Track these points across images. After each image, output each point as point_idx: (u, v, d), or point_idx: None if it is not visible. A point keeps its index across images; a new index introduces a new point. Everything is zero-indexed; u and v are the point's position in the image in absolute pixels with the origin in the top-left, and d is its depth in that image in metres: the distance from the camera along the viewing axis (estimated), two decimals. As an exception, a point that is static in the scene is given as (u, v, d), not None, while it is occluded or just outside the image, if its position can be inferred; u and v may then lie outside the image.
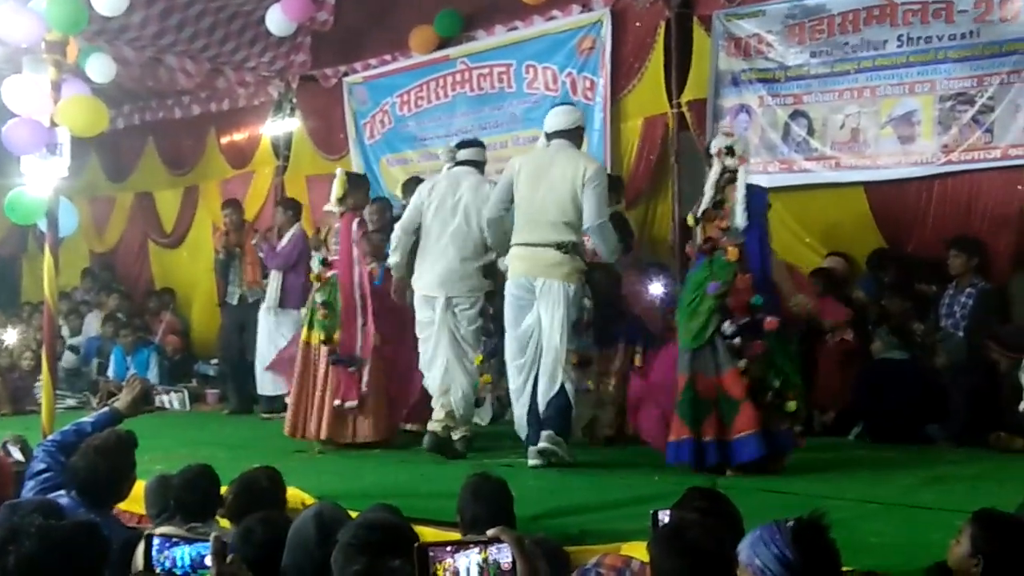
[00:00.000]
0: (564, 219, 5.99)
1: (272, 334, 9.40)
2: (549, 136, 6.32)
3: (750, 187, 5.67)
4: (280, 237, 9.53)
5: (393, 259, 6.99)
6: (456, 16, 9.62)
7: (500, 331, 6.53)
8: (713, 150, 5.80)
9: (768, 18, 7.81)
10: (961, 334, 6.86)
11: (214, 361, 11.45)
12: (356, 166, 10.48)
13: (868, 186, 7.46)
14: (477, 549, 2.36)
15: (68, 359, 11.36)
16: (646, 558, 3.16)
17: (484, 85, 9.50)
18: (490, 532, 2.37)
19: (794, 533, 2.58)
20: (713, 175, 5.72)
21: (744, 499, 4.46)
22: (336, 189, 7.33)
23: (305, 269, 9.30)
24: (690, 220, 5.81)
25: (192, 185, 12.46)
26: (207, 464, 4.35)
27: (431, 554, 2.35)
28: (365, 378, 7.02)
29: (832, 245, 7.74)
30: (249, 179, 11.64)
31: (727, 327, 5.52)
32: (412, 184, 8.03)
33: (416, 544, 2.41)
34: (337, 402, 7.00)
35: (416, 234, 6.91)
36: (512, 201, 6.23)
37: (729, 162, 5.70)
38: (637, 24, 8.51)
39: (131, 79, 10.26)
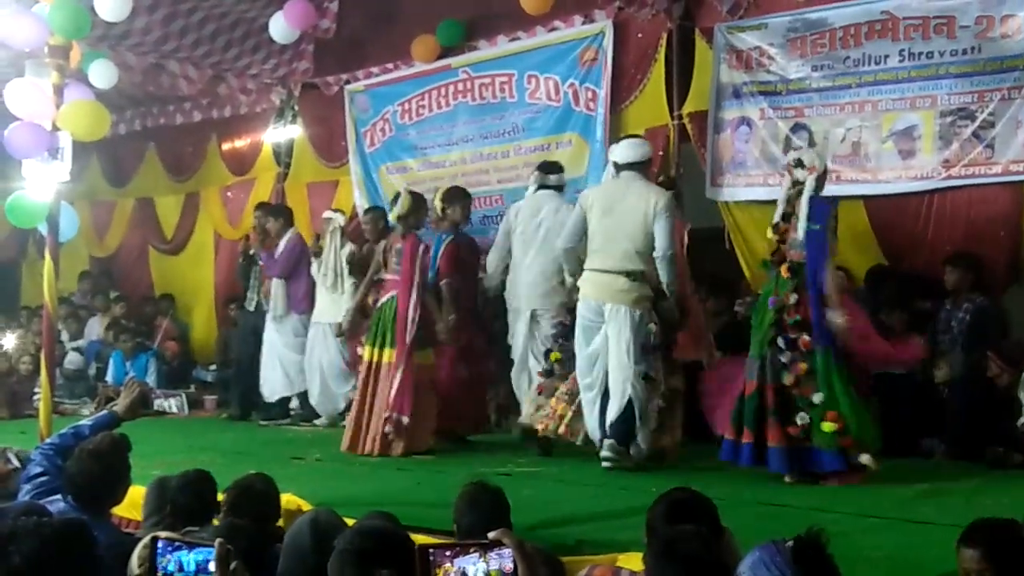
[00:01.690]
0: (635, 248, 6.30)
1: (274, 342, 9.42)
2: (619, 167, 6.56)
3: (813, 197, 5.79)
4: (274, 245, 9.51)
5: (490, 281, 7.70)
6: (458, 25, 9.63)
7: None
8: (784, 163, 6.00)
9: (770, 31, 7.82)
10: (959, 349, 6.86)
11: (212, 367, 11.46)
12: (355, 174, 10.50)
13: (868, 200, 7.46)
14: (478, 554, 2.36)
15: (73, 360, 11.34)
16: (640, 569, 3.17)
17: (486, 95, 9.51)
18: (492, 535, 2.37)
19: (794, 553, 2.56)
20: (784, 188, 5.94)
21: (741, 512, 4.48)
22: (400, 207, 7.34)
23: (306, 275, 9.36)
24: (769, 234, 5.98)
25: (193, 192, 12.46)
26: (206, 469, 4.35)
27: (431, 557, 2.36)
28: (411, 394, 7.09)
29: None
30: (250, 186, 11.64)
31: (781, 341, 5.74)
32: (456, 192, 8.09)
33: (417, 546, 2.41)
34: (388, 413, 7.03)
35: (508, 255, 7.54)
36: (586, 231, 6.51)
37: (799, 174, 5.87)
38: (639, 36, 8.53)
39: (133, 85, 10.27)
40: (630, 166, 6.52)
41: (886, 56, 7.32)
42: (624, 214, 6.34)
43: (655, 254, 6.27)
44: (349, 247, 9.10)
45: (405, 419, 7.02)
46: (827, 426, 5.60)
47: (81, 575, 2.66)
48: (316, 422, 9.16)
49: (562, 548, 4.08)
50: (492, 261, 7.74)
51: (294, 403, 9.56)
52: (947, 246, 7.14)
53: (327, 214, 9.41)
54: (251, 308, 9.94)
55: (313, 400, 9.27)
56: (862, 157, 7.43)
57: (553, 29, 9.00)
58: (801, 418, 5.63)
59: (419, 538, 3.75)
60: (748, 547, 2.90)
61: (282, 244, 9.42)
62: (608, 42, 8.61)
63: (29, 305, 12.52)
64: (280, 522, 4.25)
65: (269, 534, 3.97)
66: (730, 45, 7.99)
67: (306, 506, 4.72)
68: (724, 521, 3.28)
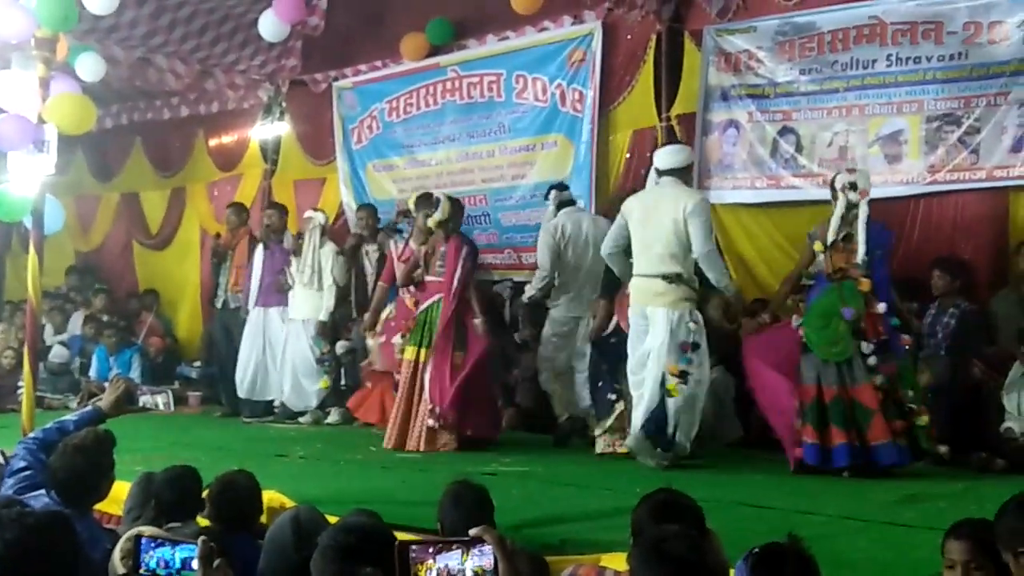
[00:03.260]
0: (669, 251, 6.45)
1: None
2: (660, 172, 6.69)
3: (874, 224, 6.14)
4: (277, 241, 9.47)
5: (536, 292, 7.77)
6: (448, 24, 9.63)
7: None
8: (837, 186, 6.20)
9: (759, 34, 7.84)
10: (943, 353, 6.88)
11: (197, 363, 11.41)
12: (342, 171, 10.51)
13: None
14: (460, 551, 2.35)
15: (59, 353, 11.26)
16: (625, 568, 3.16)
17: (474, 94, 9.51)
18: (473, 531, 2.36)
19: (752, 564, 2.56)
20: (839, 209, 6.14)
21: (724, 513, 4.48)
22: (441, 212, 7.42)
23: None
24: (818, 247, 6.22)
25: (179, 187, 12.44)
26: (191, 465, 4.33)
27: (412, 555, 2.35)
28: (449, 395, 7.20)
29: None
30: (237, 182, 11.62)
31: (865, 347, 5.99)
32: (425, 199, 8.13)
33: (396, 542, 2.40)
34: (430, 422, 7.15)
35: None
36: (627, 239, 6.69)
37: (852, 196, 6.13)
38: (628, 37, 8.55)
39: (120, 79, 10.22)
40: (670, 172, 6.64)
41: (874, 60, 7.35)
42: (659, 218, 6.49)
43: (694, 254, 6.43)
44: (329, 246, 9.10)
45: (447, 412, 7.15)
46: (922, 420, 5.98)
47: (62, 566, 2.65)
48: (300, 420, 9.14)
49: (547, 547, 4.08)
50: (546, 277, 7.70)
51: (277, 400, 9.51)
52: (931, 250, 7.17)
53: (308, 213, 9.40)
54: (219, 306, 9.93)
55: (284, 397, 9.25)
56: (848, 161, 7.44)
57: (543, 29, 9.01)
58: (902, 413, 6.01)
59: (403, 536, 3.76)
60: (731, 549, 2.91)
61: (289, 239, 9.40)
62: (597, 43, 8.63)
63: (12, 299, 12.43)
64: (263, 519, 4.24)
65: (251, 531, 3.97)
66: (719, 48, 8.01)
67: (289, 503, 4.72)
68: (708, 522, 3.27)
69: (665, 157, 6.73)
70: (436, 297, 7.32)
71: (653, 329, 6.44)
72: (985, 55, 6.95)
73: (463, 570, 2.34)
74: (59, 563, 2.65)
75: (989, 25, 6.93)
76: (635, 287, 6.61)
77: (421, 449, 7.10)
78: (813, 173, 7.59)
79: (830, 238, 6.14)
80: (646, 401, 6.36)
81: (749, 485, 5.71)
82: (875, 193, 7.23)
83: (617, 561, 3.56)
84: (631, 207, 6.74)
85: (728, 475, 6.11)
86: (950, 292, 6.94)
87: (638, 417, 6.38)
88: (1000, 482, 5.82)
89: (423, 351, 7.29)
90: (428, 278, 7.44)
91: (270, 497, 4.72)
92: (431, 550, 2.36)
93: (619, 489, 5.49)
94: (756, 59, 7.85)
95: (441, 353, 7.22)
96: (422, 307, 7.42)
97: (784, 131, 7.77)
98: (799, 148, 7.70)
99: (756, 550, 2.60)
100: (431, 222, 7.46)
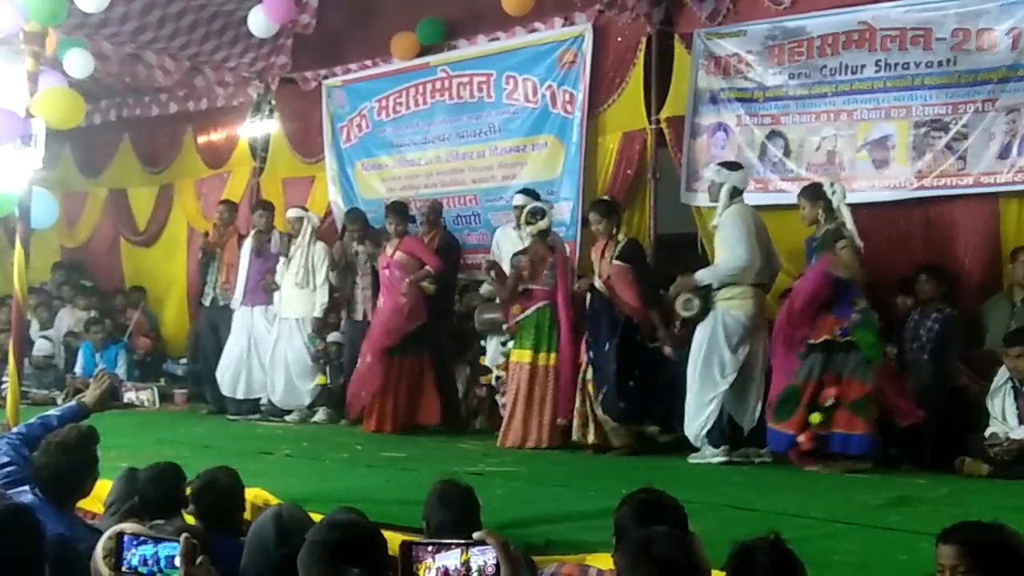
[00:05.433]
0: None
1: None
2: (739, 191, 6.96)
3: None
4: (264, 239, 9.47)
5: None
6: (438, 24, 9.63)
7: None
8: (834, 198, 6.56)
9: (748, 38, 7.86)
10: (927, 357, 6.91)
11: (183, 361, 11.38)
12: (330, 170, 10.48)
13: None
14: (459, 551, 2.35)
15: (43, 347, 11.21)
16: (608, 568, 3.16)
17: (463, 94, 9.49)
18: (476, 535, 2.36)
19: (728, 560, 2.57)
20: (848, 220, 6.54)
21: (708, 515, 4.50)
22: (545, 222, 7.71)
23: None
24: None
25: (167, 184, 12.39)
26: (175, 462, 4.32)
27: (414, 552, 2.35)
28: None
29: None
30: (225, 180, 11.58)
31: None
32: (398, 207, 8.20)
33: (401, 541, 2.41)
34: (560, 420, 7.45)
35: None
36: None
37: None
38: (619, 40, 8.55)
39: (109, 74, 10.20)
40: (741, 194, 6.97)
41: (862, 66, 7.38)
42: (764, 237, 6.94)
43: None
44: (320, 244, 9.11)
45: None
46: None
47: (21, 556, 2.63)
48: (287, 418, 9.13)
49: (532, 548, 4.07)
50: None
51: (264, 398, 9.51)
52: (918, 256, 7.20)
53: (299, 213, 9.37)
54: (207, 303, 9.92)
55: (276, 397, 9.24)
56: (836, 166, 7.49)
57: (533, 30, 9.01)
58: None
59: (388, 535, 3.75)
60: (715, 552, 2.91)
61: (276, 241, 9.41)
62: (587, 45, 8.63)
63: (-1, 295, 12.37)
64: (248, 516, 4.23)
65: (233, 528, 3.96)
66: (708, 51, 8.02)
67: (274, 501, 4.70)
68: (692, 523, 3.27)
69: (747, 182, 7.08)
70: (542, 303, 7.61)
71: (761, 334, 6.82)
72: (973, 62, 6.98)
73: (469, 570, 2.34)
74: (20, 558, 2.63)
75: (978, 32, 6.96)
76: (762, 296, 6.96)
77: (545, 445, 7.39)
78: (801, 177, 7.58)
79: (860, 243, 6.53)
80: (752, 405, 6.83)
81: (733, 486, 5.72)
82: (862, 198, 7.32)
83: (602, 561, 3.56)
84: (757, 220, 6.97)
85: (711, 476, 6.12)
86: (935, 297, 6.96)
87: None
88: (986, 487, 5.85)
89: (541, 355, 7.56)
90: (533, 286, 7.66)
91: (255, 495, 4.71)
92: (431, 549, 2.36)
93: (604, 489, 5.50)
94: (745, 63, 7.86)
95: (567, 360, 7.52)
96: (526, 313, 7.65)
97: (772, 135, 7.78)
98: (787, 152, 7.72)
99: (737, 545, 2.61)
100: (533, 230, 7.68)
